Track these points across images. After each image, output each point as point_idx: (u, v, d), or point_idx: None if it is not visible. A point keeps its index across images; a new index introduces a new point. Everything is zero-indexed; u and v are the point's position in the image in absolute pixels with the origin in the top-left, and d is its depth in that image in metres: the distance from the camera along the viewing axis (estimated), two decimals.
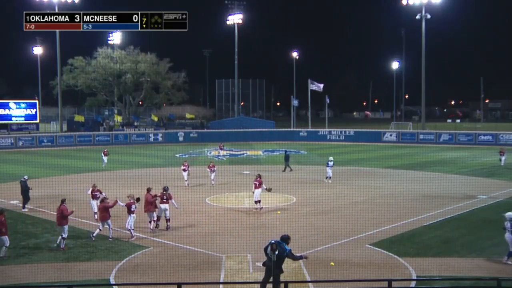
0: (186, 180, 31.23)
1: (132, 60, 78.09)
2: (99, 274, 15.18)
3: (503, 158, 40.06)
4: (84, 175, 34.39)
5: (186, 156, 49.87)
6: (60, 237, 18.14)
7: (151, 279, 14.99)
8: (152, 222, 20.50)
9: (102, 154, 41.07)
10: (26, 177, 25.32)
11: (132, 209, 19.25)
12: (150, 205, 20.35)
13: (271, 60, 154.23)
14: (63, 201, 18.80)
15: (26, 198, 24.45)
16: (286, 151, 40.40)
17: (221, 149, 43.96)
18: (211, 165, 31.84)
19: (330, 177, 32.34)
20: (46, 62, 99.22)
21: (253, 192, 24.20)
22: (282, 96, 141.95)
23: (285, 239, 13.46)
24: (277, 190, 28.14)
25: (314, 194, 28.07)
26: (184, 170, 31.48)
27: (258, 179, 24.17)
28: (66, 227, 18.20)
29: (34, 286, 14.38)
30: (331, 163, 32.57)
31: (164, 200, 20.63)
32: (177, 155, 49.62)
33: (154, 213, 20.58)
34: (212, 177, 31.46)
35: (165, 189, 20.97)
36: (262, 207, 24.12)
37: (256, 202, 24.12)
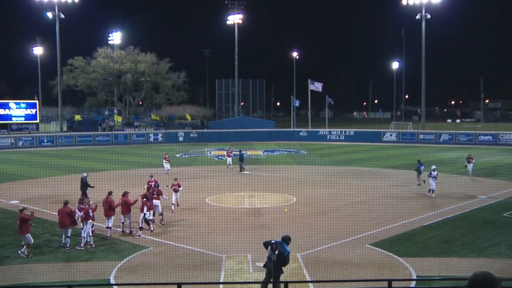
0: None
1: (132, 60, 78.02)
2: (99, 274, 15.20)
3: (470, 165, 35.13)
4: None
5: (186, 156, 49.93)
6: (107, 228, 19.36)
7: (151, 279, 14.99)
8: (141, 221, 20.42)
9: (164, 160, 36.60)
10: (85, 174, 25.75)
11: (89, 215, 18.50)
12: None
13: (271, 60, 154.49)
14: (110, 193, 19.67)
15: (84, 194, 24.39)
16: (241, 151, 40.11)
17: (229, 156, 42.45)
18: (175, 183, 24.02)
19: (433, 190, 27.31)
20: (46, 62, 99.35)
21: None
22: (282, 96, 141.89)
23: (286, 239, 13.43)
24: (277, 190, 28.16)
25: (314, 194, 28.06)
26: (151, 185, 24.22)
27: (158, 189, 21.41)
28: (112, 218, 19.41)
29: (34, 286, 14.38)
30: (435, 173, 27.48)
31: (155, 196, 20.98)
32: (177, 155, 49.61)
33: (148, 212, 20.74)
34: (175, 200, 23.90)
35: (156, 185, 21.31)
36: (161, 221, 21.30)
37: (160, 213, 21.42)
